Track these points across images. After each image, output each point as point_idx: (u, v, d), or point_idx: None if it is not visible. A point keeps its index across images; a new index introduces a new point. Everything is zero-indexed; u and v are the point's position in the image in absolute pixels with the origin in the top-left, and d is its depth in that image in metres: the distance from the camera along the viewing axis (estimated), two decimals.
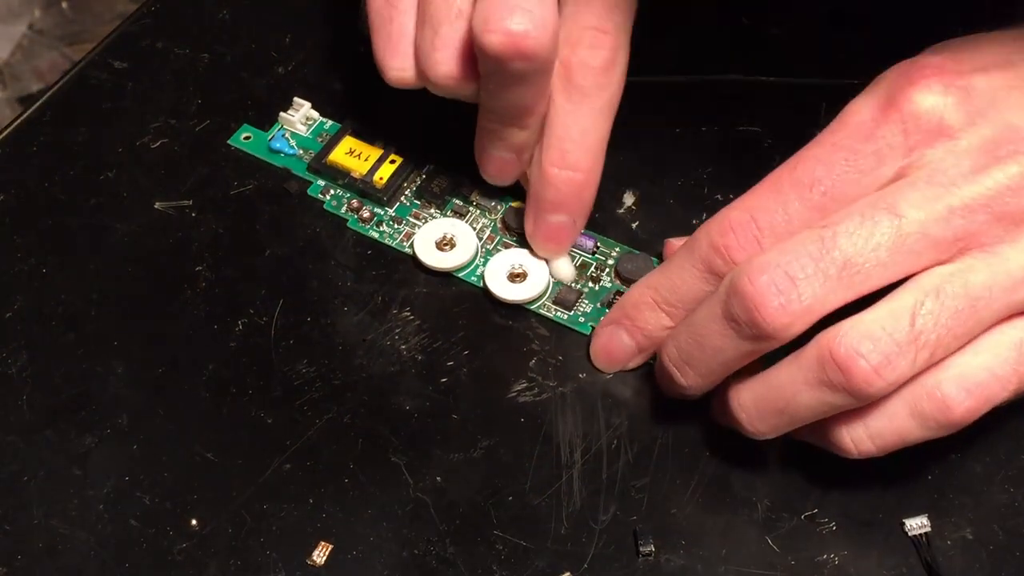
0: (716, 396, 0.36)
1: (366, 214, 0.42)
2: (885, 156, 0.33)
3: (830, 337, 0.32)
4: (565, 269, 0.40)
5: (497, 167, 0.40)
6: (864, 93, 0.35)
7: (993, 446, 0.37)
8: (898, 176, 0.33)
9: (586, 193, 0.39)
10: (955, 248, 0.32)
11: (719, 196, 0.42)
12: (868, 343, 0.31)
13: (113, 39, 0.48)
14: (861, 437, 0.34)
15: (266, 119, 0.45)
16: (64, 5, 1.00)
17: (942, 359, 0.32)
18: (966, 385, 0.32)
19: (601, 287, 0.40)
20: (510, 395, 0.38)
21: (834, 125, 0.35)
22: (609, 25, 0.37)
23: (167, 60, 0.47)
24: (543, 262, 0.40)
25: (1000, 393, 0.32)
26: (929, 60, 0.34)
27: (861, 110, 0.34)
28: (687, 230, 0.37)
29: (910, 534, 0.35)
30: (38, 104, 0.46)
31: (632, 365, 0.38)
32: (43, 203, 0.43)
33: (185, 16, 0.49)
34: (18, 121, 0.45)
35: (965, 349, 0.32)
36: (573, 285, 0.40)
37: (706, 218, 0.35)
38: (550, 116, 0.37)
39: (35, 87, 0.96)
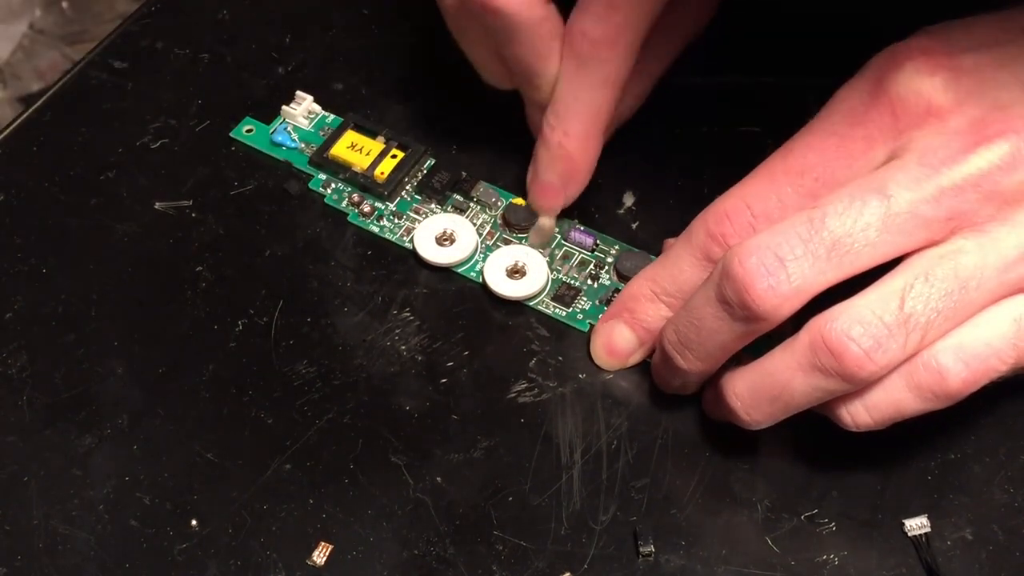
0: (709, 387, 0.36)
1: (367, 208, 0.42)
2: (875, 140, 0.34)
3: (821, 323, 0.32)
4: (543, 231, 0.41)
5: (530, 122, 0.40)
6: (853, 78, 0.35)
7: (993, 446, 0.37)
8: (889, 159, 0.34)
9: (576, 161, 0.39)
10: (946, 228, 0.32)
11: (719, 196, 0.42)
12: (859, 327, 0.32)
13: (113, 39, 0.48)
14: (858, 409, 0.34)
15: (267, 116, 0.45)
16: (64, 5, 1.00)
17: (934, 341, 0.32)
18: (963, 356, 0.32)
19: (600, 285, 0.40)
20: (510, 395, 0.38)
21: (824, 111, 0.35)
22: (621, 0, 0.36)
23: (167, 60, 0.47)
24: (543, 260, 0.40)
25: (997, 366, 0.33)
26: (916, 42, 0.34)
27: (850, 95, 0.35)
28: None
29: (910, 534, 0.35)
30: (38, 104, 0.46)
31: (633, 360, 0.38)
32: (43, 203, 0.43)
33: (185, 16, 0.49)
34: (18, 121, 0.45)
35: (964, 323, 0.33)
36: (542, 251, 0.41)
37: None
38: (558, 77, 0.38)
39: (35, 87, 0.96)
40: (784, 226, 0.33)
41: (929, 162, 0.32)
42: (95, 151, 0.44)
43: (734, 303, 0.33)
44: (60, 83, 0.46)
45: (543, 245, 0.41)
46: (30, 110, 0.45)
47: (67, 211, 0.42)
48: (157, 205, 0.43)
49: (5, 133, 0.45)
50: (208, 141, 0.44)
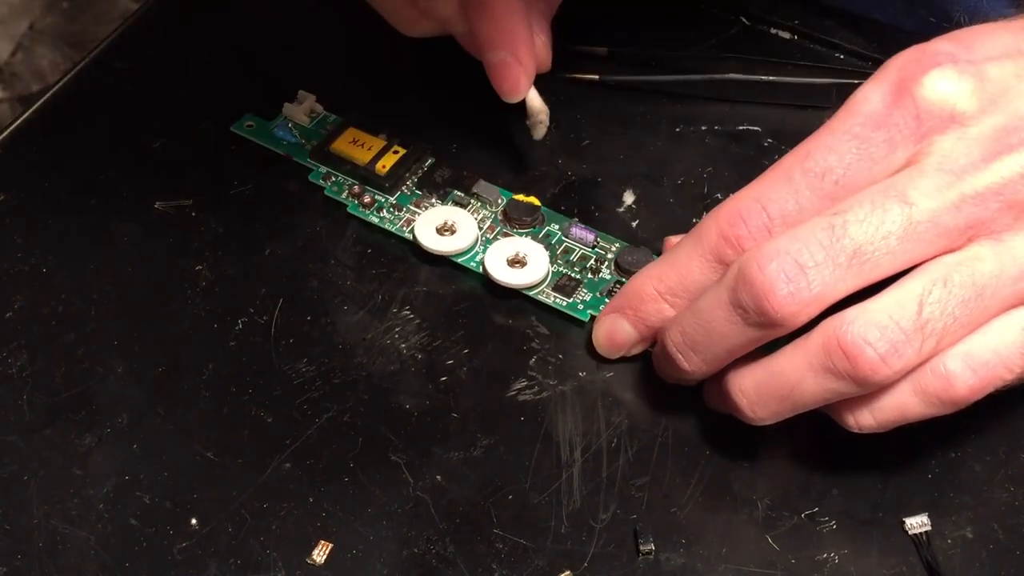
0: (712, 381, 0.36)
1: (367, 200, 0.42)
2: (896, 143, 0.33)
3: (836, 325, 0.32)
4: (535, 109, 0.41)
5: (468, 46, 0.42)
6: (873, 79, 0.34)
7: (993, 445, 0.37)
8: (908, 163, 0.33)
9: (505, 22, 0.39)
10: (964, 236, 0.32)
11: (719, 195, 0.42)
12: (875, 331, 0.31)
13: (113, 39, 0.48)
14: (862, 412, 0.33)
15: (269, 115, 0.45)
16: (65, 5, 1.00)
17: (947, 348, 0.32)
18: (971, 364, 0.32)
19: (600, 279, 0.40)
20: (510, 394, 0.38)
21: (843, 112, 0.34)
22: None
23: (167, 60, 0.47)
24: (542, 249, 0.40)
25: (1004, 375, 0.33)
26: (941, 47, 0.34)
27: (871, 96, 0.34)
28: (686, 229, 0.37)
29: (910, 533, 0.35)
30: (38, 104, 0.46)
31: (634, 351, 0.38)
32: (43, 203, 0.43)
33: (185, 16, 0.49)
34: (18, 121, 0.45)
35: (974, 331, 0.32)
36: (542, 119, 0.42)
37: None
38: None
39: (35, 87, 0.96)
40: (804, 231, 0.32)
41: (950, 169, 0.32)
42: (95, 151, 0.44)
43: (750, 308, 0.32)
44: (60, 83, 0.46)
45: (544, 125, 0.42)
46: (30, 110, 0.45)
47: (67, 211, 0.42)
48: (157, 205, 0.43)
49: (5, 133, 0.45)
50: (208, 140, 0.44)
